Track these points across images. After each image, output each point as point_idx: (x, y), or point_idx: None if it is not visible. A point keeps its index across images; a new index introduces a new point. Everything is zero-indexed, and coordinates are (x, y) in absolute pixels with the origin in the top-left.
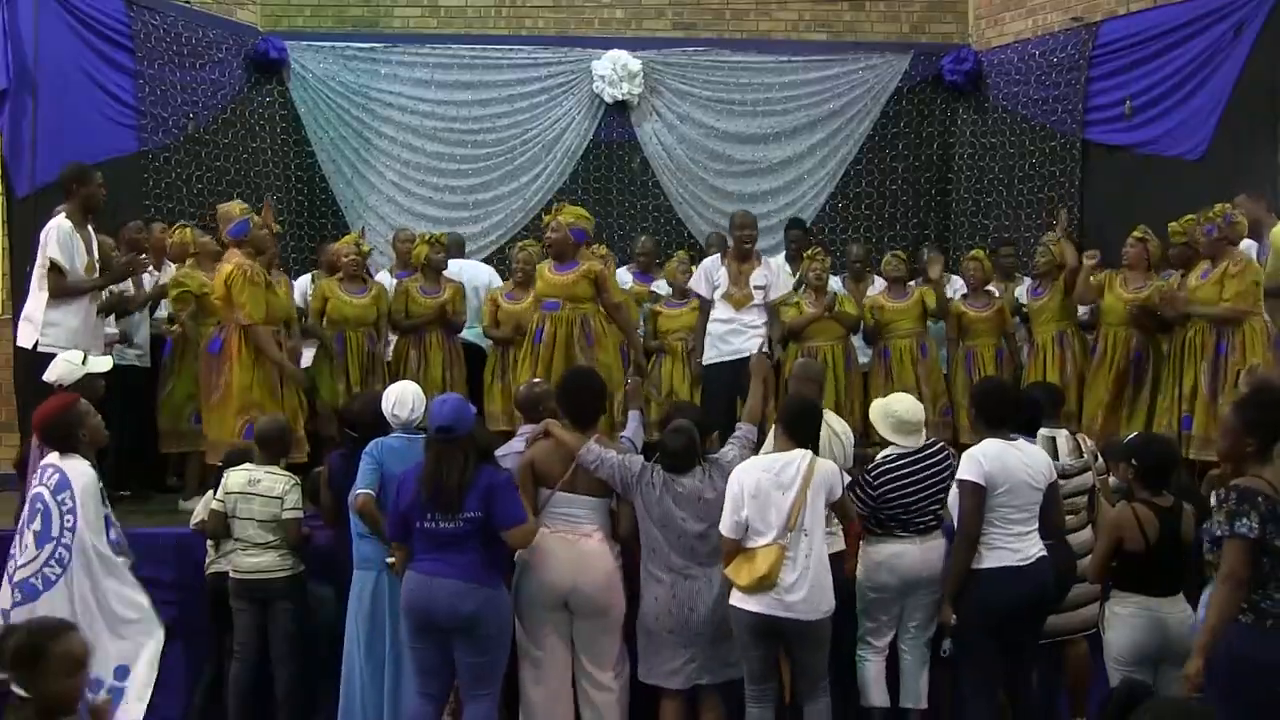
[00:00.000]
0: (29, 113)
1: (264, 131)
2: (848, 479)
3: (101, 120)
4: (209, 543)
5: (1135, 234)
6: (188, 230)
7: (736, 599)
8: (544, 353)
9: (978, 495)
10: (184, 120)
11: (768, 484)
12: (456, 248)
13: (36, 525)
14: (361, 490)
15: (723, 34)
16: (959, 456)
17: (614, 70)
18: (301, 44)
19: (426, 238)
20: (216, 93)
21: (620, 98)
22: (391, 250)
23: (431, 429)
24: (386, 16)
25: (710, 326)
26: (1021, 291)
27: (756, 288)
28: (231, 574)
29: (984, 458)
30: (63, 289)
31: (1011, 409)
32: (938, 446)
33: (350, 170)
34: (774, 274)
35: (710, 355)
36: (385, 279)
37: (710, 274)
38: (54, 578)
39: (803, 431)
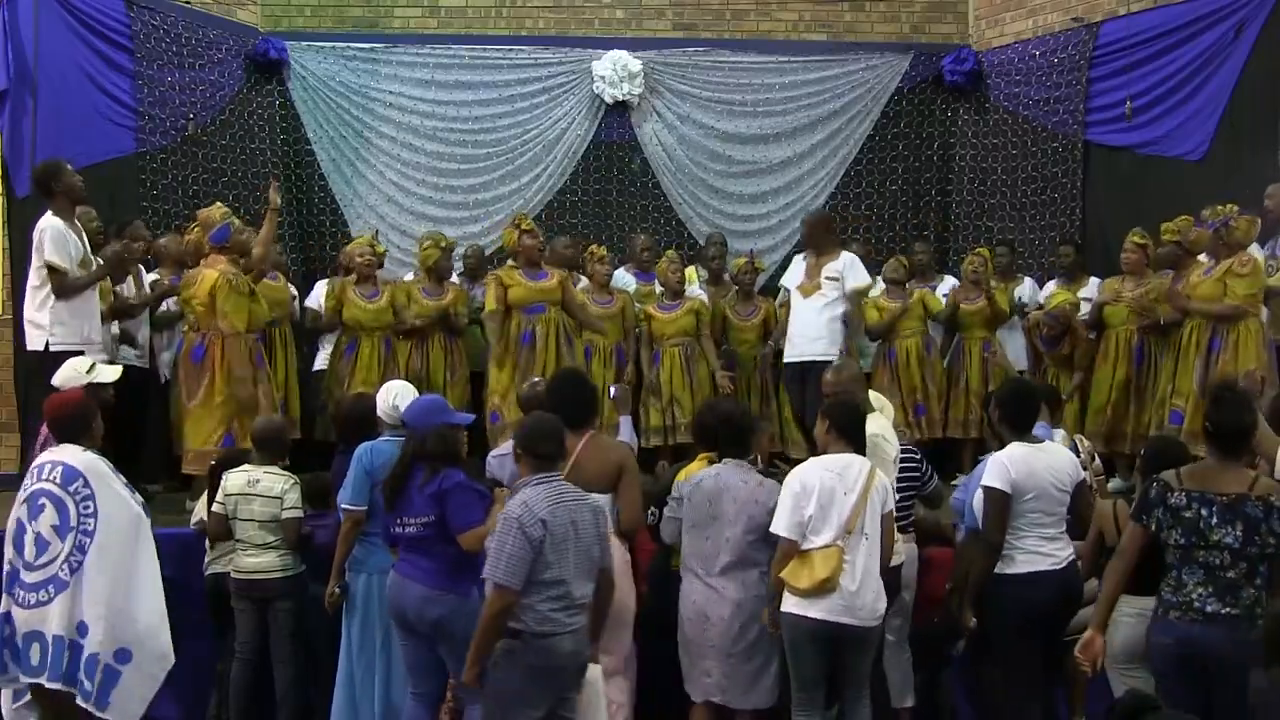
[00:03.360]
0: (29, 113)
1: (263, 132)
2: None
3: (101, 121)
4: (206, 543)
5: (1133, 239)
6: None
7: (793, 605)
8: (537, 355)
9: (1003, 503)
10: (183, 121)
11: (831, 483)
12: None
13: (52, 520)
14: (347, 506)
15: (723, 34)
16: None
17: (614, 70)
18: (301, 44)
19: (442, 243)
20: (216, 93)
21: (620, 98)
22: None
23: None
24: (386, 17)
25: None
26: (1020, 291)
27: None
28: (232, 574)
29: (1011, 464)
30: (65, 288)
31: (1036, 412)
32: (911, 448)
33: (350, 170)
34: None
35: None
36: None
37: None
38: (78, 564)
39: (857, 433)
